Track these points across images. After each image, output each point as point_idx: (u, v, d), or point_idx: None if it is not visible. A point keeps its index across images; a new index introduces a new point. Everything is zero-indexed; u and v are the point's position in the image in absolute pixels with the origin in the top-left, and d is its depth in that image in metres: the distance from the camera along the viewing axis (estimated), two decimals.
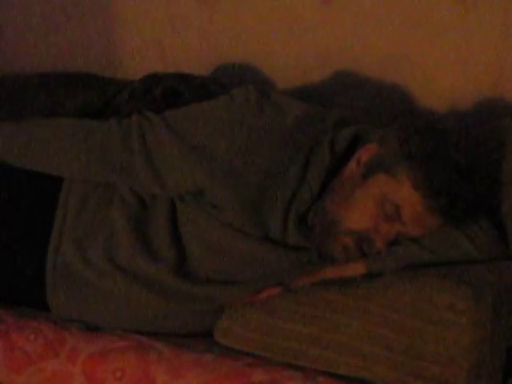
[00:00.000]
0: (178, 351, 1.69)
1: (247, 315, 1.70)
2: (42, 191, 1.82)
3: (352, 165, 1.73)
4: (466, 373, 1.50)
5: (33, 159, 1.79)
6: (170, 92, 2.04)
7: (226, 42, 2.33)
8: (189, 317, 1.76)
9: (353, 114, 1.86)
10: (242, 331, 1.69)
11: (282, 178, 1.72)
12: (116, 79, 2.32)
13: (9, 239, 1.80)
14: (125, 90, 2.10)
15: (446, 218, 1.66)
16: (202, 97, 1.99)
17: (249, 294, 1.73)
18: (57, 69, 2.46)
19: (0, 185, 1.82)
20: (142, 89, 2.06)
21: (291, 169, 1.72)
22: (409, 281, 1.58)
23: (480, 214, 1.70)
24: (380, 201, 1.67)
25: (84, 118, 1.99)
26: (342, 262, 1.71)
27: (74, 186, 1.82)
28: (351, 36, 2.17)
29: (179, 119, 1.77)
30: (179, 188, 1.75)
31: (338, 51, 2.19)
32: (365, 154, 1.72)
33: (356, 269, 1.69)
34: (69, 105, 2.15)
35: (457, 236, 1.68)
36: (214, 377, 1.62)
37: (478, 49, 2.06)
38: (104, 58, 2.45)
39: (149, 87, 2.06)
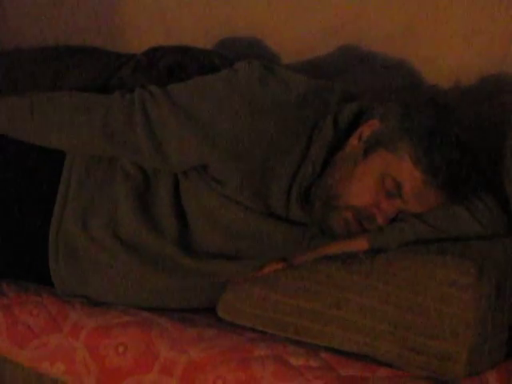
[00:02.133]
0: (181, 326, 1.70)
1: (250, 290, 1.70)
2: (44, 165, 1.82)
3: (354, 141, 1.72)
4: (469, 348, 1.50)
5: (35, 133, 1.78)
6: (173, 65, 2.02)
7: (231, 15, 2.31)
8: (191, 292, 1.76)
9: (357, 90, 1.84)
10: (244, 306, 1.69)
11: (285, 154, 1.70)
12: (120, 53, 2.28)
13: (12, 213, 1.79)
14: (129, 63, 2.07)
15: (446, 195, 1.65)
16: (206, 70, 1.98)
17: (251, 269, 1.72)
18: (60, 43, 2.45)
19: (3, 159, 1.81)
20: (146, 62, 2.04)
21: (295, 144, 1.71)
22: (411, 257, 1.58)
23: (483, 190, 1.69)
24: (380, 177, 1.66)
25: (87, 91, 1.97)
26: (345, 238, 1.71)
27: (77, 160, 1.81)
28: (357, 10, 2.15)
29: (182, 93, 1.76)
30: (182, 162, 1.74)
31: (344, 25, 2.17)
32: (366, 130, 1.71)
33: (359, 245, 1.69)
34: (72, 79, 2.13)
35: (460, 212, 1.67)
36: (217, 352, 1.62)
37: (484, 23, 2.03)
38: (108, 32, 2.44)
39: (153, 60, 2.04)
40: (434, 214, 1.67)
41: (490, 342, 1.51)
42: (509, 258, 1.56)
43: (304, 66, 2.21)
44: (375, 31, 2.14)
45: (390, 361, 1.57)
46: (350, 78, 2.17)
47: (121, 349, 1.67)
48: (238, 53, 2.23)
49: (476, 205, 1.68)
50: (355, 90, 1.83)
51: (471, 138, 1.65)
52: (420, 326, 1.53)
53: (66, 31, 2.48)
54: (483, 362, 1.51)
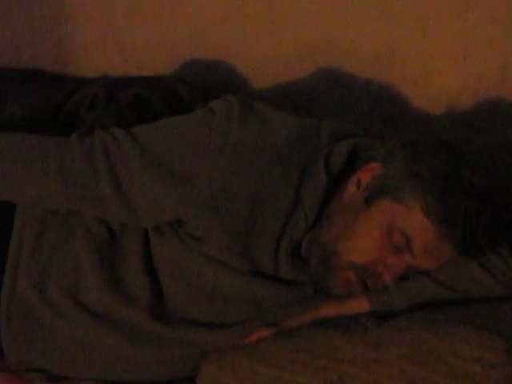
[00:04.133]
0: None
1: (236, 362, 1.51)
2: None
3: (351, 187, 1.56)
4: None
5: None
6: (135, 99, 1.83)
7: (192, 33, 2.12)
8: (167, 363, 1.59)
9: (348, 125, 1.67)
10: (229, 381, 1.50)
11: (272, 204, 1.54)
12: (69, 77, 2.14)
13: None
14: (83, 95, 1.89)
15: (462, 249, 1.49)
16: (170, 102, 1.86)
17: (237, 337, 1.55)
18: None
19: None
20: (105, 96, 1.85)
21: (282, 193, 1.55)
22: (428, 328, 1.40)
23: (501, 243, 1.53)
24: (387, 230, 1.51)
25: (33, 124, 1.83)
26: (343, 297, 1.54)
27: (30, 214, 1.63)
28: (337, 28, 1.99)
29: (150, 137, 1.59)
30: (153, 216, 1.58)
31: (322, 45, 2.01)
32: (366, 174, 1.55)
33: (359, 305, 1.53)
34: (15, 109, 1.96)
35: (474, 268, 1.52)
36: None
37: (478, 44, 1.90)
38: (54, 53, 2.23)
39: (112, 94, 1.85)
40: (443, 271, 1.51)
41: None
42: None
43: (277, 90, 2.05)
44: (357, 51, 1.99)
45: None
46: (329, 103, 2.02)
47: None
48: (202, 77, 2.08)
49: (491, 258, 1.52)
50: (347, 127, 1.66)
51: (487, 182, 1.48)
52: None
53: (5, 52, 2.26)
54: None
